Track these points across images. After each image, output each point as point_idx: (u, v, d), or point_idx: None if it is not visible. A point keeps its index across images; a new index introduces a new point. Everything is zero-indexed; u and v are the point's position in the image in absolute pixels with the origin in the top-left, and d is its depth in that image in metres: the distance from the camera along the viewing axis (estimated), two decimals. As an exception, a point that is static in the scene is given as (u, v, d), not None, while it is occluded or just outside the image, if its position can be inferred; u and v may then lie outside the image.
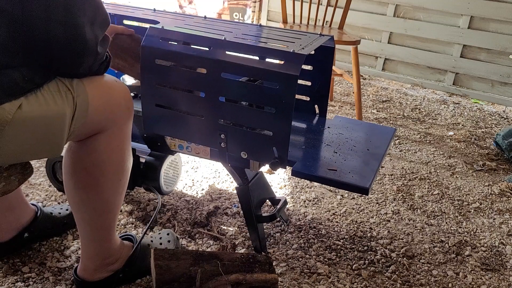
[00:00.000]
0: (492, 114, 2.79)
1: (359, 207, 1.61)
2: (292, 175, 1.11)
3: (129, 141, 1.05)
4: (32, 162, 0.99)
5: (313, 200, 1.63)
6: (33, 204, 1.27)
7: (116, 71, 1.33)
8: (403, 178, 1.86)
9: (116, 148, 1.00)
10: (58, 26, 0.77)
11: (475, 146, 2.26)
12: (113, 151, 1.00)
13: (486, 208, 1.70)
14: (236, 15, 3.66)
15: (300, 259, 1.32)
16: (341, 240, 1.42)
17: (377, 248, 1.40)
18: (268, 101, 1.06)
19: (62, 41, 0.79)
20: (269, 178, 1.74)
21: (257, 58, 1.11)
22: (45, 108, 0.82)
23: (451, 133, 2.40)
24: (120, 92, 0.98)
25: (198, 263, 1.07)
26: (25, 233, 1.23)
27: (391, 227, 1.51)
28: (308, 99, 1.41)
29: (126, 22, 1.45)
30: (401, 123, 2.48)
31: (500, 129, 2.49)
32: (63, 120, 0.85)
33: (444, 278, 1.31)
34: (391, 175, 1.88)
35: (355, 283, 1.25)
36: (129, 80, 1.39)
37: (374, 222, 1.53)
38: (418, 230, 1.51)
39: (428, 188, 1.80)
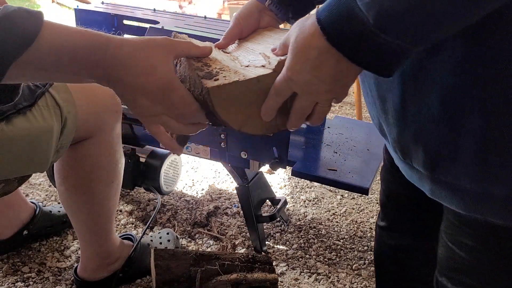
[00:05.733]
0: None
1: (359, 207, 1.61)
2: (292, 175, 1.11)
3: (119, 143, 1.04)
4: (32, 162, 0.99)
5: (313, 200, 1.63)
6: (32, 202, 1.27)
7: None
8: (403, 178, 1.85)
9: (105, 152, 0.99)
10: None
11: (475, 146, 2.26)
12: (103, 156, 0.99)
13: (486, 208, 1.70)
14: (236, 15, 3.66)
15: (300, 259, 1.32)
16: (341, 240, 1.42)
17: (377, 248, 1.40)
18: (268, 101, 1.06)
19: None
20: (269, 178, 1.74)
21: (257, 58, 1.10)
22: (33, 124, 0.80)
23: (451, 133, 2.40)
24: (107, 96, 0.96)
25: (198, 263, 1.07)
26: (24, 231, 1.23)
27: (391, 227, 1.51)
28: (308, 99, 1.41)
29: (126, 22, 1.45)
30: (401, 123, 2.48)
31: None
32: (50, 136, 0.83)
33: (444, 278, 1.31)
34: (391, 175, 1.87)
35: (355, 283, 1.25)
36: None
37: (374, 222, 1.53)
38: (418, 230, 1.51)
39: (428, 188, 1.80)
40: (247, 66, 0.58)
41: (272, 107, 0.54)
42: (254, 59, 0.60)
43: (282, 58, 0.54)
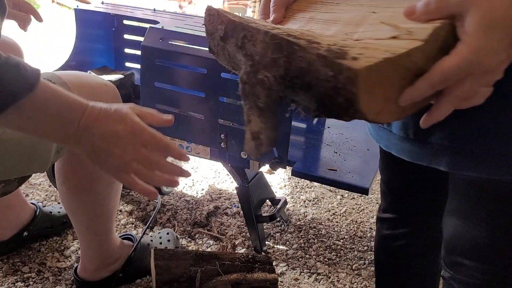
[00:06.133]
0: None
1: (359, 207, 1.61)
2: (292, 175, 1.11)
3: None
4: (32, 162, 0.99)
5: (313, 200, 1.63)
6: (32, 203, 1.27)
7: None
8: (403, 178, 1.85)
9: None
10: None
11: (475, 146, 2.26)
12: None
13: (486, 208, 1.70)
14: (236, 15, 3.66)
15: (300, 259, 1.32)
16: (341, 240, 1.42)
17: (377, 248, 1.40)
18: (268, 101, 1.06)
19: None
20: (269, 178, 1.74)
21: (257, 58, 1.10)
22: None
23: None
24: (108, 97, 0.95)
25: (198, 263, 1.07)
26: (24, 232, 1.23)
27: (391, 227, 1.51)
28: (308, 99, 1.41)
29: (126, 22, 1.45)
30: (401, 123, 2.48)
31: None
32: None
33: (444, 278, 1.31)
34: (391, 175, 1.87)
35: (355, 283, 1.25)
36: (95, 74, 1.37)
37: (374, 222, 1.53)
38: (418, 230, 1.51)
39: (428, 188, 1.80)
40: (356, 40, 0.46)
41: (426, 92, 0.43)
42: (350, 30, 0.49)
43: (437, 25, 0.43)
